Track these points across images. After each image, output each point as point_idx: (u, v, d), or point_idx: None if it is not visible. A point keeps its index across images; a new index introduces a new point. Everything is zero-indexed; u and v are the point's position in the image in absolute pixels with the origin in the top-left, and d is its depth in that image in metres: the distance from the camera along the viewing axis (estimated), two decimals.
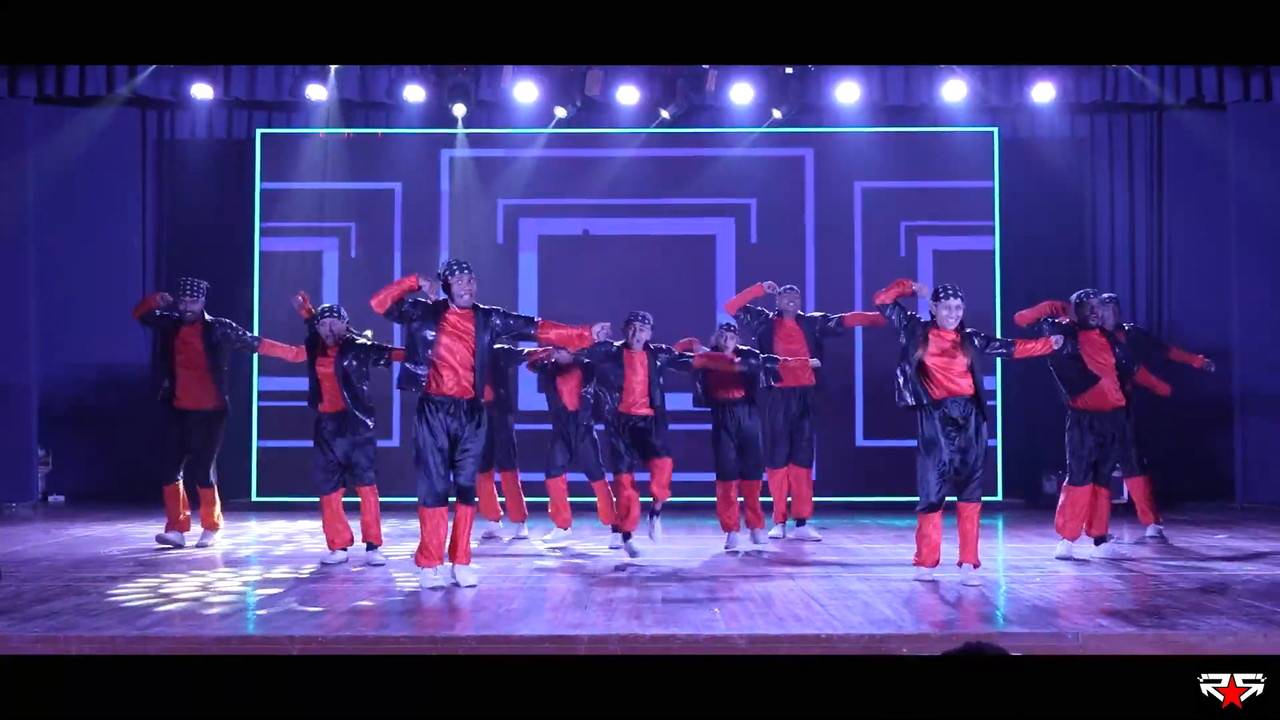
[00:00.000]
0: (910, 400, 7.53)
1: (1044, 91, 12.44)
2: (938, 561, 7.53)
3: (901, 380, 7.56)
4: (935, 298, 7.61)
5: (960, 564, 7.48)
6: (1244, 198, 12.48)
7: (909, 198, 12.72)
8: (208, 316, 9.34)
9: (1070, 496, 8.53)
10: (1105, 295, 9.11)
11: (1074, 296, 8.72)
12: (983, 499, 7.64)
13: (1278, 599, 6.66)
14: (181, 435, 9.30)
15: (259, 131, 12.81)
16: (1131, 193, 13.04)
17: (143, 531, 9.94)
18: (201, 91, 12.46)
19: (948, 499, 7.54)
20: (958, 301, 7.54)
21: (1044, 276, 12.64)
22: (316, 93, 12.52)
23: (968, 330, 7.61)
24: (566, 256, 12.72)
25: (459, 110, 12.47)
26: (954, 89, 12.40)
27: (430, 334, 7.12)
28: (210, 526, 9.37)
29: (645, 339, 8.51)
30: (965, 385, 7.48)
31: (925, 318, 7.64)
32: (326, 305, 8.63)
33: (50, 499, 12.52)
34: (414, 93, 12.51)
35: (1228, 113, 12.57)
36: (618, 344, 8.47)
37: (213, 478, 9.35)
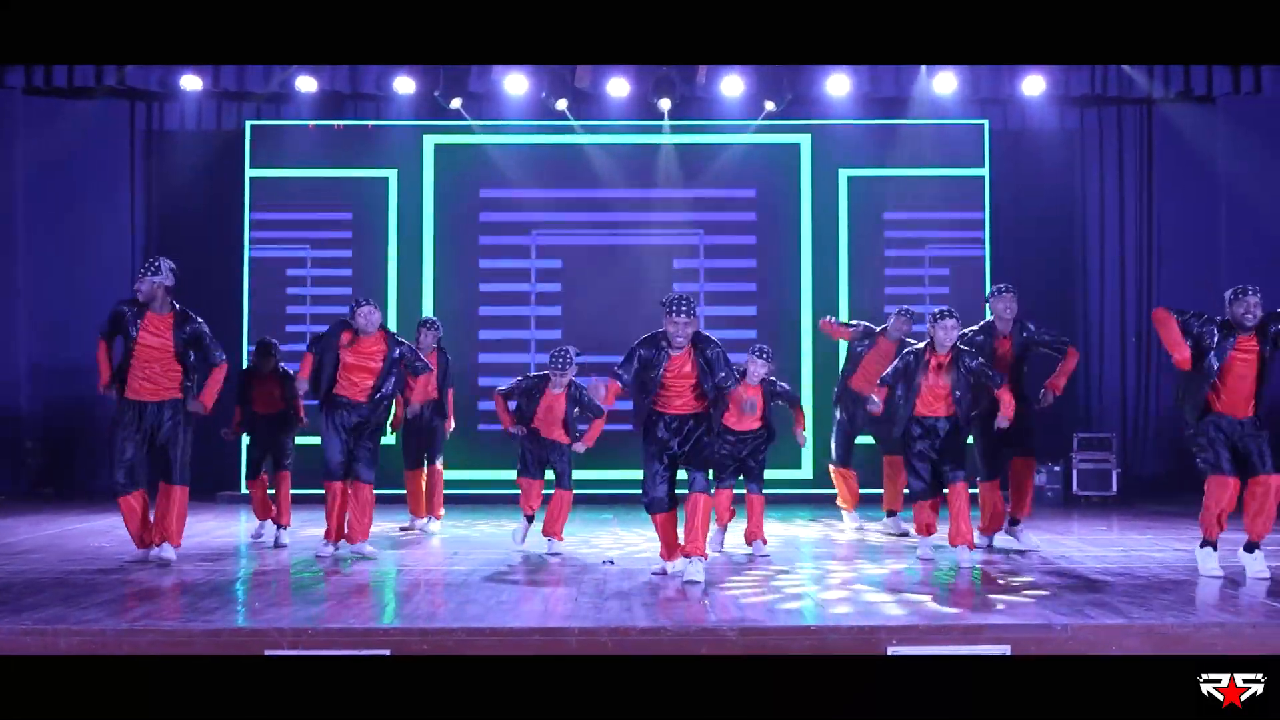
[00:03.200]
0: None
1: (1034, 84, 12.47)
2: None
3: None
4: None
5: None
6: (1233, 189, 12.52)
7: (899, 188, 12.74)
8: (177, 305, 7.85)
9: None
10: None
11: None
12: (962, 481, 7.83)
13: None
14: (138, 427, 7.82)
15: (248, 123, 12.79)
16: (1121, 184, 13.07)
17: None
18: (191, 83, 12.44)
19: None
20: (953, 322, 7.80)
21: (1033, 268, 12.65)
22: (306, 84, 12.50)
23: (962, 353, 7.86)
24: (556, 249, 12.74)
25: (455, 103, 12.45)
26: (944, 81, 12.42)
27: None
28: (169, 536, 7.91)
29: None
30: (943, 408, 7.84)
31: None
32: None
33: (40, 492, 12.47)
34: (403, 84, 12.49)
35: (1217, 105, 12.60)
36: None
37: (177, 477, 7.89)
